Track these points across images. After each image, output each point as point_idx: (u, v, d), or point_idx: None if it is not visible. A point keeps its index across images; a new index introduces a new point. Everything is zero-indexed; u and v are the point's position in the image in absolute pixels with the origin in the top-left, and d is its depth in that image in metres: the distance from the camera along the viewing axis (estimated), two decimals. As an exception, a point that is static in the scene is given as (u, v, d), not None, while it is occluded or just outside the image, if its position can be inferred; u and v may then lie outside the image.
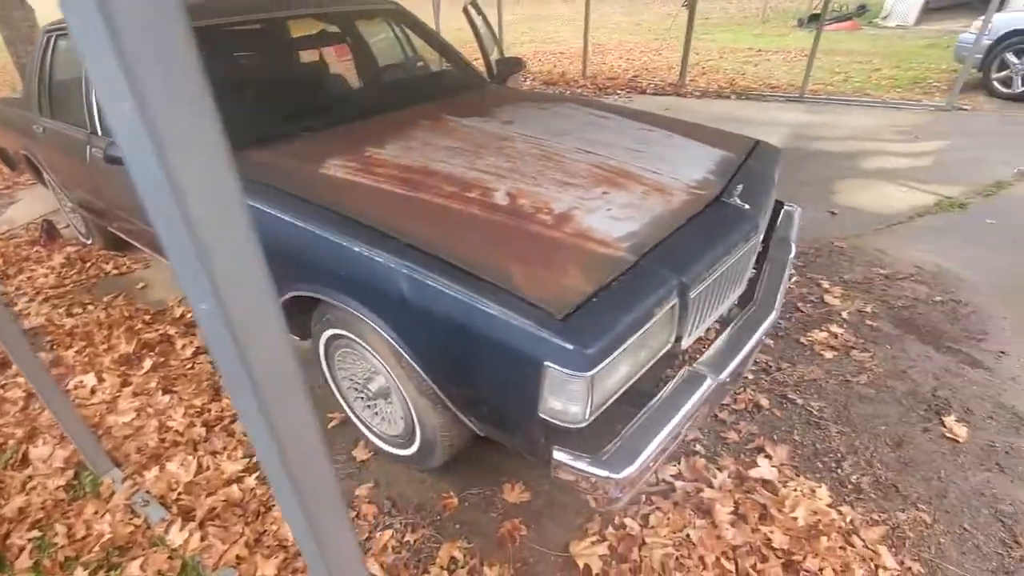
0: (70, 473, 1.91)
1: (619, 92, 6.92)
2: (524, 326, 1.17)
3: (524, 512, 1.73)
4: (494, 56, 3.37)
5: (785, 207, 2.29)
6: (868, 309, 2.60)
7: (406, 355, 1.40)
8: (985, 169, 4.08)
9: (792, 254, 2.01)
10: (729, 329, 1.62)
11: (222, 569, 1.57)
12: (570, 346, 1.12)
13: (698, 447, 1.92)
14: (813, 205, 3.65)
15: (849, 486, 1.77)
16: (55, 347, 2.56)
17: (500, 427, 1.43)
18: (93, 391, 2.30)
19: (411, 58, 2.92)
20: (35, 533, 1.70)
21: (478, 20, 3.57)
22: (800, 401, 2.09)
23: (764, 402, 2.08)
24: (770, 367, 2.27)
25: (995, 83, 5.73)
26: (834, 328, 2.47)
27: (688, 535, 1.60)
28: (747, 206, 1.61)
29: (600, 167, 1.78)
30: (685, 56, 6.88)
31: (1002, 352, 2.31)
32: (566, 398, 1.17)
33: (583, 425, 1.21)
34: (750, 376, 2.22)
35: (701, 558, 1.54)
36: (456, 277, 1.27)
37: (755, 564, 1.52)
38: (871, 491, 1.75)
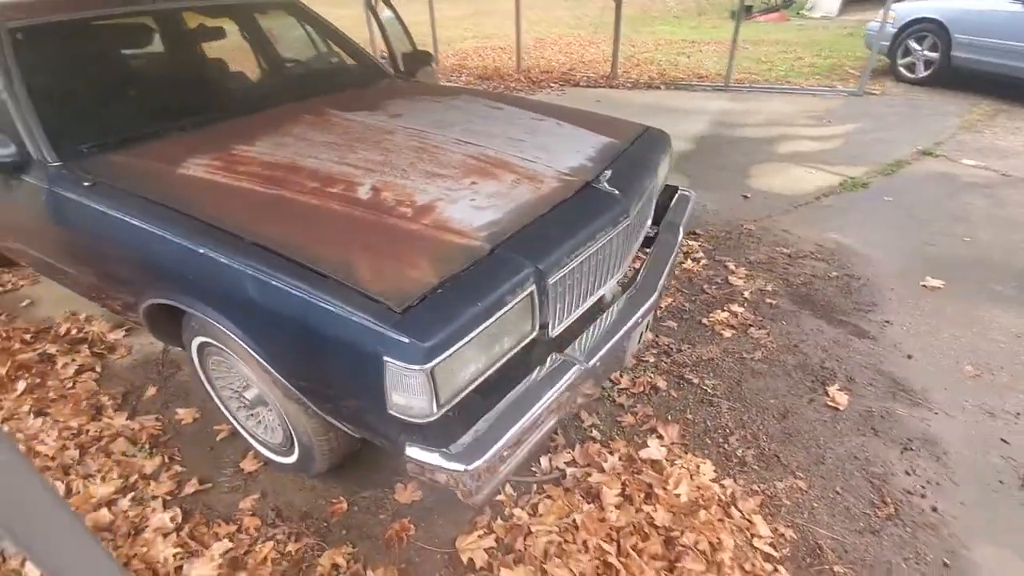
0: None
1: (552, 85, 6.94)
2: (362, 321, 1.14)
3: (415, 511, 1.70)
4: (402, 50, 3.31)
5: (680, 191, 2.33)
6: (769, 288, 2.68)
7: (261, 359, 1.35)
8: (887, 149, 4.29)
9: (680, 238, 2.04)
10: (605, 314, 1.62)
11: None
12: (406, 339, 1.10)
13: (594, 432, 1.93)
14: (729, 190, 3.75)
15: (734, 460, 1.81)
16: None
17: (362, 427, 1.39)
18: (-45, 421, 2.13)
19: (307, 53, 2.82)
20: None
21: (385, 13, 3.50)
22: (696, 380, 2.13)
23: (662, 384, 2.12)
24: (671, 349, 2.31)
25: (901, 68, 6.03)
26: (735, 308, 2.53)
27: (574, 520, 1.61)
28: (616, 191, 1.62)
29: (476, 157, 1.76)
30: (615, 48, 6.97)
31: (887, 321, 2.43)
32: (408, 393, 1.14)
33: (434, 419, 1.19)
34: (651, 359, 2.25)
35: (584, 542, 1.55)
36: (298, 274, 1.23)
37: (636, 544, 1.54)
38: (754, 463, 1.80)
